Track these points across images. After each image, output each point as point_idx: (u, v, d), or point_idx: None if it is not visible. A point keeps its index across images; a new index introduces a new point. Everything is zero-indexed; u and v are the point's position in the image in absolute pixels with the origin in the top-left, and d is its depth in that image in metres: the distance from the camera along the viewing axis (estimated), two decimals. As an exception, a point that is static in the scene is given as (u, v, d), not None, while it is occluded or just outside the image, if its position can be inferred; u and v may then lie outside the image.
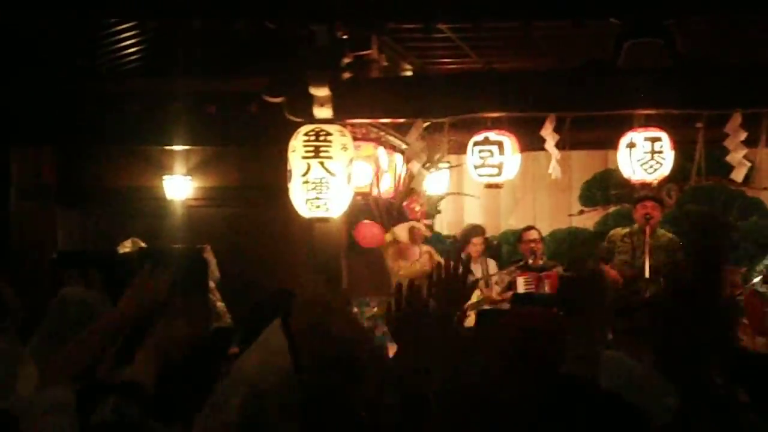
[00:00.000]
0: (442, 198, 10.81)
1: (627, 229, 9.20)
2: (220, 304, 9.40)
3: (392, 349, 2.82)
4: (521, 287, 9.27)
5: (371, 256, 9.39)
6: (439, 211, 11.18)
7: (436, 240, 10.58)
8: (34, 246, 10.12)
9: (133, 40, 10.29)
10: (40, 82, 9.76)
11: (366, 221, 9.14)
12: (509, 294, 9.14)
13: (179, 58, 9.60)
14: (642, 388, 3.28)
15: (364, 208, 9.23)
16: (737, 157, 8.04)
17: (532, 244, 9.57)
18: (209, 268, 9.36)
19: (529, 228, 9.87)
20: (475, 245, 9.72)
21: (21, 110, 9.75)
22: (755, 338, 8.91)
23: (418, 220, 9.48)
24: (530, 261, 9.49)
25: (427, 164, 9.55)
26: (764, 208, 11.39)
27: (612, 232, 9.42)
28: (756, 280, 9.25)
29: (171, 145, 10.77)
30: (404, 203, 9.61)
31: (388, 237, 9.20)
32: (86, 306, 3.27)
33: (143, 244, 9.51)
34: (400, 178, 9.59)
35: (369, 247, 9.12)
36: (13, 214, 10.42)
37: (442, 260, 8.26)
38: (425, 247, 9.49)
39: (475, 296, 9.38)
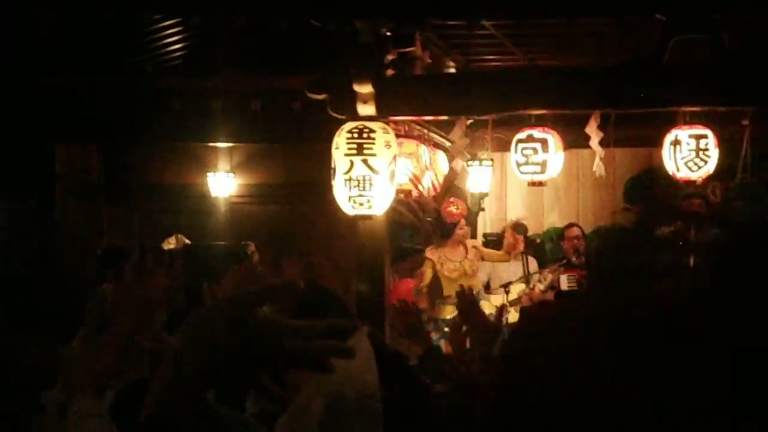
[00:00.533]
0: (485, 195, 10.80)
1: (671, 227, 9.13)
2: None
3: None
4: (564, 285, 9.24)
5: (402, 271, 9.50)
6: (482, 209, 11.17)
7: None
8: (81, 243, 10.22)
9: (177, 38, 10.35)
10: (86, 80, 9.85)
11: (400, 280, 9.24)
12: (552, 292, 9.12)
13: (223, 55, 9.63)
14: None
15: (403, 210, 9.26)
16: (784, 155, 7.96)
17: (575, 242, 9.53)
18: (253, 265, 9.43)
19: (572, 225, 9.83)
20: (517, 242, 9.72)
21: (67, 108, 9.85)
22: None
23: (456, 222, 9.48)
24: (573, 259, 9.45)
25: (471, 161, 9.54)
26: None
27: (657, 231, 9.35)
28: None
29: (215, 142, 10.83)
30: (442, 206, 9.61)
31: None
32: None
33: (188, 241, 9.58)
34: (444, 175, 9.59)
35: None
36: (59, 212, 10.52)
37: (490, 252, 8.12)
38: (471, 242, 9.52)
39: (516, 292, 9.37)
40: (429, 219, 9.81)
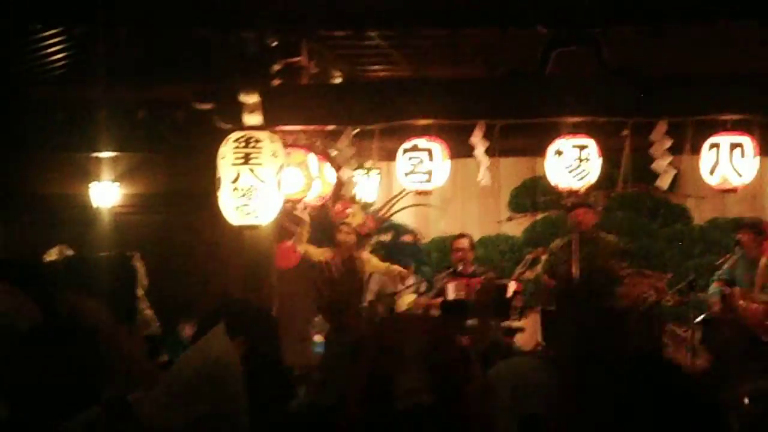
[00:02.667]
0: (371, 205, 10.83)
1: (566, 239, 9.28)
2: (148, 312, 9.30)
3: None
4: (451, 294, 9.31)
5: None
6: (380, 220, 11.20)
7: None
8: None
9: (60, 47, 10.16)
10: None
11: (285, 243, 9.12)
12: (439, 300, 9.19)
13: (107, 64, 9.49)
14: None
15: (293, 217, 9.21)
16: (662, 165, 8.15)
17: (461, 252, 9.61)
18: (137, 276, 9.28)
19: (461, 236, 9.90)
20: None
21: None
22: None
23: (337, 223, 9.44)
24: (460, 268, 9.53)
25: (358, 171, 9.56)
26: (688, 216, 11.59)
27: (552, 243, 9.50)
28: (712, 288, 9.37)
29: (99, 151, 10.66)
30: (335, 209, 9.59)
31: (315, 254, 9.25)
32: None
33: (70, 252, 9.39)
34: (330, 184, 9.58)
35: (285, 267, 9.10)
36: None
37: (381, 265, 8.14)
38: (360, 254, 9.52)
39: (407, 301, 9.41)
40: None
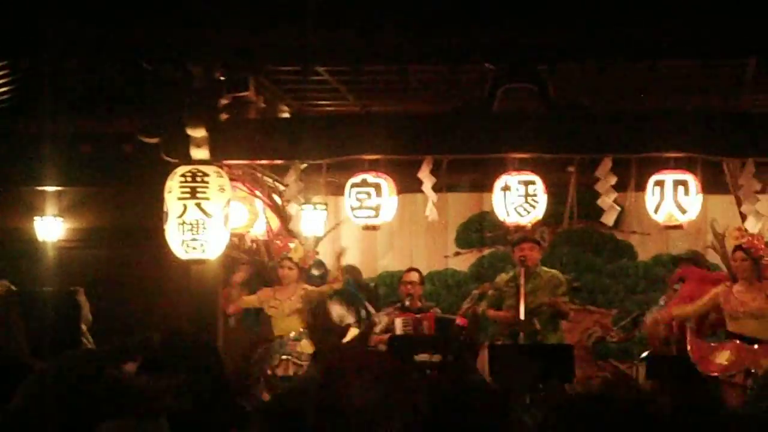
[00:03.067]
0: (320, 240, 10.79)
1: (511, 273, 9.30)
2: (91, 348, 9.19)
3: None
4: (399, 329, 9.29)
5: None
6: (316, 252, 11.16)
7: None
8: None
9: (4, 80, 10.07)
10: None
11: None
12: (387, 336, 9.16)
13: (53, 97, 9.42)
14: None
15: (239, 250, 9.16)
16: (607, 201, 8.23)
17: (410, 286, 9.59)
18: (82, 311, 9.18)
19: (410, 270, 9.89)
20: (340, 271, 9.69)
21: None
22: None
23: (287, 258, 9.37)
24: (407, 303, 9.52)
25: (305, 205, 9.54)
26: (633, 251, 11.69)
27: (497, 278, 9.50)
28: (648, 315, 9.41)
29: (42, 185, 10.54)
30: (276, 245, 9.52)
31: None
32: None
33: (13, 287, 9.26)
34: (277, 219, 9.54)
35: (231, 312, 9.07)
36: None
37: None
38: (302, 286, 9.45)
39: (351, 334, 9.35)
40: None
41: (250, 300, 9.21)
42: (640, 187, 8.39)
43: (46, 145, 9.77)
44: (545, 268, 9.33)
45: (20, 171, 10.01)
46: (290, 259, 9.10)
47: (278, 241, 9.20)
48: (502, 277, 9.40)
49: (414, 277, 9.70)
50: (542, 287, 9.06)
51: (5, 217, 11.29)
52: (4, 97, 10.39)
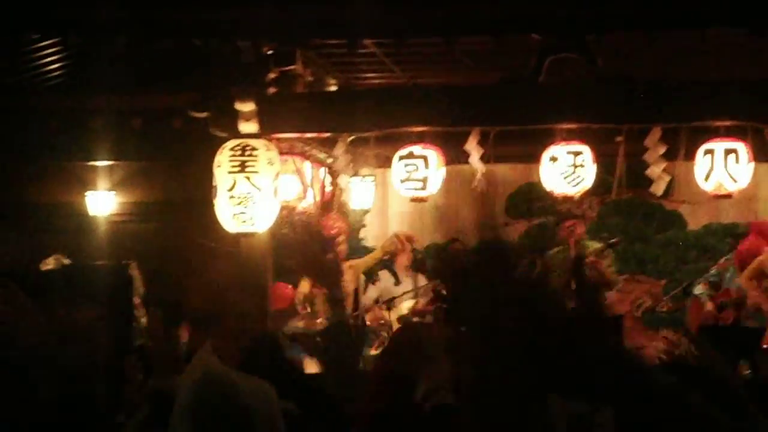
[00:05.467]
0: (367, 212, 10.86)
1: (560, 248, 9.30)
2: (144, 320, 9.32)
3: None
4: (447, 300, 9.31)
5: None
6: (364, 225, 11.23)
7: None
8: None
9: (57, 56, 10.19)
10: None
11: (279, 283, 9.17)
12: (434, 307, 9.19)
13: (104, 73, 9.52)
14: None
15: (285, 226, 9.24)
16: (656, 171, 8.18)
17: (456, 258, 9.61)
18: (134, 285, 9.30)
19: (454, 241, 9.93)
20: (404, 258, 9.77)
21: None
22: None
23: (334, 238, 9.47)
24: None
25: (353, 178, 9.59)
26: (682, 221, 11.62)
27: (551, 251, 9.52)
28: (698, 290, 9.37)
29: (95, 160, 10.68)
30: (321, 220, 9.60)
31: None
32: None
33: (67, 261, 9.40)
34: (324, 192, 9.62)
35: (280, 307, 9.15)
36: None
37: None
38: (349, 263, 9.52)
39: (406, 308, 9.42)
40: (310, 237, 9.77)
41: (306, 285, 9.35)
42: (690, 156, 8.34)
43: (98, 121, 9.88)
44: (588, 242, 9.32)
45: (73, 146, 10.13)
46: (341, 234, 9.23)
47: (326, 218, 9.31)
48: (553, 253, 9.41)
49: (459, 248, 9.72)
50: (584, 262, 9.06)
51: (58, 191, 11.46)
52: (57, 73, 10.52)
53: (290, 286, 9.35)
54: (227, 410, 2.17)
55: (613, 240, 9.47)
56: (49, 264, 9.53)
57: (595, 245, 9.30)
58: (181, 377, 2.40)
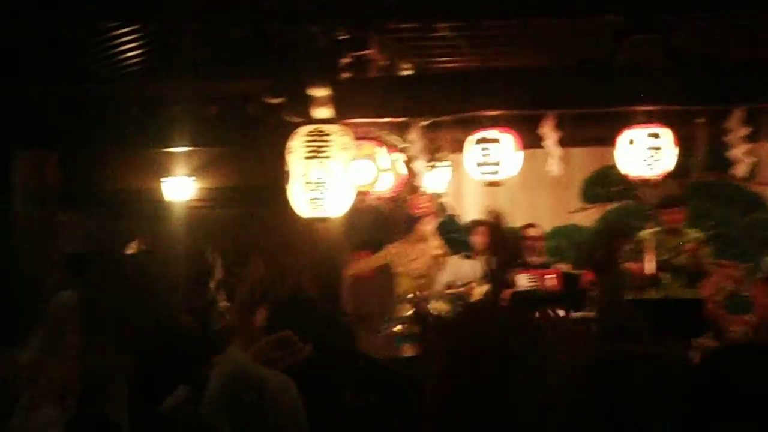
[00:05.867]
0: (441, 196, 10.83)
1: (655, 229, 9.21)
2: (223, 304, 9.43)
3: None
4: (523, 284, 9.27)
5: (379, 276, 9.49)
6: (444, 209, 11.21)
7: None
8: (38, 249, 10.15)
9: (133, 44, 10.30)
10: (42, 87, 9.79)
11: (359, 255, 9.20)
12: (510, 291, 9.15)
13: (179, 60, 9.62)
14: None
15: (368, 208, 9.27)
16: (739, 153, 8.03)
17: (533, 242, 9.56)
18: (212, 269, 9.42)
19: (530, 225, 9.86)
20: (480, 239, 9.73)
21: (23, 115, 9.78)
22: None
23: (419, 217, 9.48)
24: (535, 257, 9.49)
25: (428, 162, 9.57)
26: (766, 204, 11.40)
27: (641, 233, 9.44)
28: None
29: (172, 146, 10.79)
30: (408, 200, 9.63)
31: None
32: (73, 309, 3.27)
33: (147, 247, 9.55)
34: (402, 176, 9.61)
35: (365, 276, 9.19)
36: (16, 219, 10.45)
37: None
38: (436, 243, 9.52)
39: (479, 293, 9.39)
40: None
41: (378, 258, 9.34)
42: (774, 138, 8.17)
43: (175, 108, 9.98)
44: (689, 229, 9.19)
45: (151, 133, 10.25)
46: (430, 214, 9.23)
47: (414, 198, 9.31)
48: (645, 232, 9.31)
49: (536, 231, 9.67)
50: (684, 247, 8.94)
51: (138, 178, 11.63)
52: (135, 61, 10.65)
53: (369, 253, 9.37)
54: (256, 404, 2.18)
55: (710, 232, 9.38)
56: (132, 248, 9.70)
57: (694, 233, 9.19)
58: (214, 367, 2.41)
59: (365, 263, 9.42)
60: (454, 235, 10.63)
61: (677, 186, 10.79)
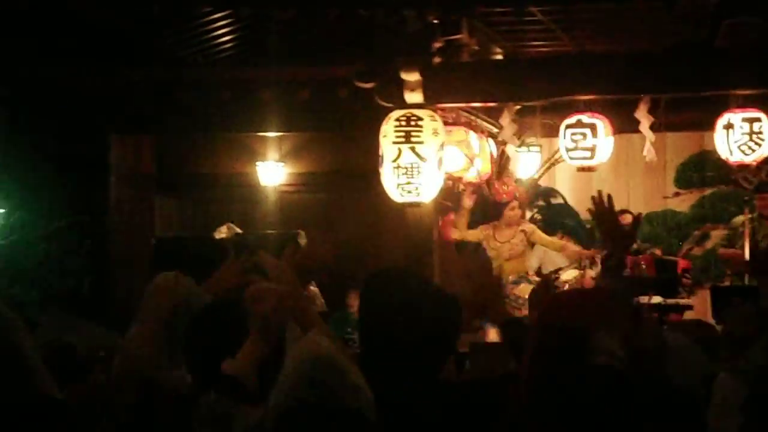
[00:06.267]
0: (535, 181, 10.75)
1: (751, 215, 9.04)
2: (314, 289, 9.49)
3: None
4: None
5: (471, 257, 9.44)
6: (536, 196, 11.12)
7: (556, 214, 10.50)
8: (134, 233, 10.32)
9: (227, 29, 10.40)
10: (137, 73, 9.94)
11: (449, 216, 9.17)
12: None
13: (271, 45, 9.68)
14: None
15: (456, 193, 9.25)
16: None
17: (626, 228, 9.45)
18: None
19: (623, 212, 9.71)
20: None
21: (119, 100, 9.95)
22: None
23: (506, 203, 9.41)
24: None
25: (520, 147, 9.52)
26: None
27: (735, 219, 9.27)
28: None
29: (264, 131, 10.88)
30: (493, 187, 9.57)
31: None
32: (179, 291, 3.28)
33: (239, 230, 9.64)
34: (493, 161, 9.56)
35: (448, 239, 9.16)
36: (113, 203, 10.64)
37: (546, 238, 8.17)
38: (525, 226, 9.45)
39: (572, 275, 9.29)
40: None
41: (474, 234, 9.32)
42: None
43: (267, 92, 10.04)
44: None
45: (243, 117, 10.33)
46: (517, 198, 9.17)
47: (503, 185, 9.25)
48: (740, 218, 9.15)
49: (628, 218, 9.52)
50: None
51: (229, 162, 11.75)
52: (228, 46, 10.75)
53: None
54: (341, 390, 2.16)
55: None
56: (223, 233, 9.79)
57: None
58: (292, 349, 2.40)
59: (461, 232, 9.38)
60: (568, 222, 10.50)
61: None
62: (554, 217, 10.45)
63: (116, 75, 9.84)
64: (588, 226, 10.21)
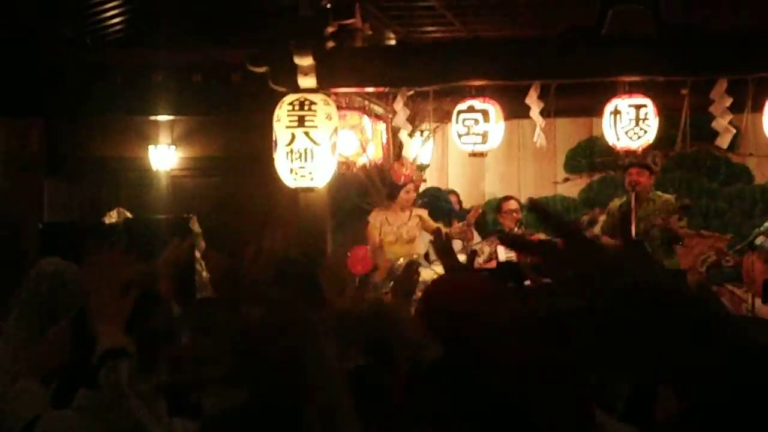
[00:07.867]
0: (426, 167, 10.80)
1: (624, 199, 9.16)
2: (205, 275, 9.39)
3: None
4: (503, 256, 9.27)
5: (357, 234, 9.40)
6: (424, 180, 11.17)
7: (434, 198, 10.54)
8: (21, 217, 10.10)
9: (117, 10, 10.24)
10: (24, 53, 9.72)
11: (358, 248, 9.14)
12: (492, 263, 9.15)
13: (163, 28, 9.56)
14: None
15: (352, 178, 9.23)
16: (722, 124, 8.05)
17: (513, 214, 9.57)
18: (195, 239, 9.36)
19: (508, 198, 9.85)
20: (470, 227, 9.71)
21: (6, 81, 9.72)
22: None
23: (403, 185, 9.43)
24: (516, 229, 9.50)
25: (412, 132, 9.54)
26: (749, 175, 11.41)
27: (610, 204, 9.40)
28: (759, 241, 9.15)
29: (156, 114, 10.74)
30: (391, 168, 9.59)
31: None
32: (59, 278, 3.22)
33: (129, 215, 9.50)
34: (386, 146, 9.58)
35: (361, 272, 9.11)
36: (-1, 186, 10.42)
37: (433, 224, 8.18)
38: (417, 211, 9.49)
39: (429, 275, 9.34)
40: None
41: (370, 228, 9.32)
42: (757, 108, 8.16)
43: (159, 76, 9.93)
44: (659, 193, 9.15)
45: (134, 101, 10.20)
46: (414, 182, 9.19)
47: (397, 165, 9.26)
48: (615, 203, 9.29)
49: (514, 204, 9.66)
50: (655, 212, 8.90)
51: (121, 145, 11.57)
52: (119, 28, 10.58)
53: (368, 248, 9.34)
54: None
55: (686, 202, 9.29)
56: (112, 217, 9.63)
57: (665, 196, 9.14)
58: None
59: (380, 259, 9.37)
60: (443, 204, 10.57)
61: (660, 156, 10.80)
62: (433, 201, 10.51)
63: (2, 55, 9.61)
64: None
